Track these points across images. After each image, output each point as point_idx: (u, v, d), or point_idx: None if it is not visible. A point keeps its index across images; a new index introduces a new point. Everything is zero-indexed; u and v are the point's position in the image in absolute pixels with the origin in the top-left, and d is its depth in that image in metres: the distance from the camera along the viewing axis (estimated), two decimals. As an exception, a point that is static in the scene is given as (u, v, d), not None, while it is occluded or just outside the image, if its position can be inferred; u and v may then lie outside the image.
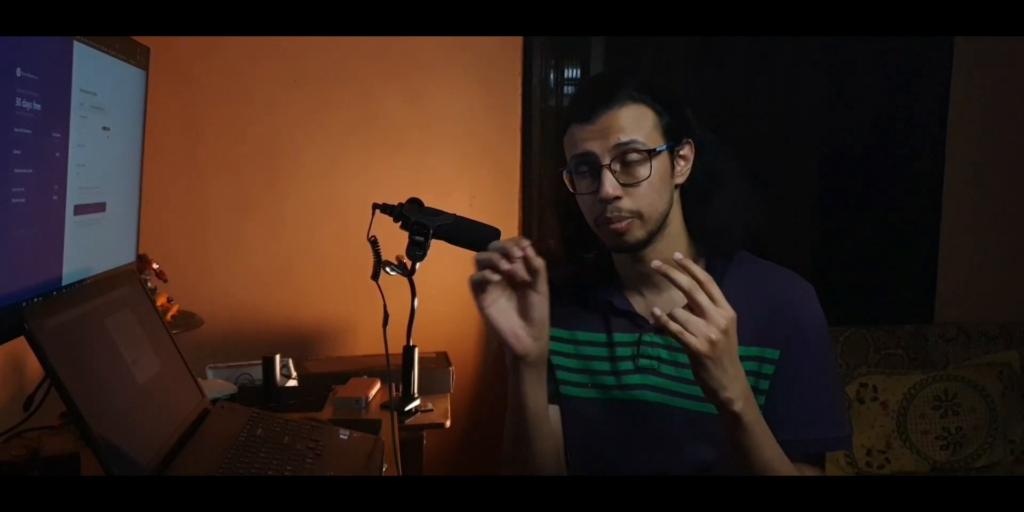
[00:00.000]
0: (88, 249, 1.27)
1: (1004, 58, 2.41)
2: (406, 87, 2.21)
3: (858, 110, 2.45)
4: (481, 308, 1.02)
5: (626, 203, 1.06)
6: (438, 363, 1.93)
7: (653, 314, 0.92)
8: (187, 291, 1.95)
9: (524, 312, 1.03)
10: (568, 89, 2.37)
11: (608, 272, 1.19)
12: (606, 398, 1.16)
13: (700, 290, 0.92)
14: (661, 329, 0.92)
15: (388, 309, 1.30)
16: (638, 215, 1.06)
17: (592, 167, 1.07)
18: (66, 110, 1.15)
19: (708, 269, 1.12)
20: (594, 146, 1.06)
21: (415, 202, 1.47)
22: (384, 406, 1.54)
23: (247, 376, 1.73)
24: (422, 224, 1.43)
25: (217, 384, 1.63)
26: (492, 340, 2.32)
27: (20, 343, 0.88)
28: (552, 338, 1.20)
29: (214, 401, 1.26)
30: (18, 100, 1.00)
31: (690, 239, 1.14)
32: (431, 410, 1.65)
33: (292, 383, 1.74)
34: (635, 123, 1.07)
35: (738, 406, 0.95)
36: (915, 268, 2.51)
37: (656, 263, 0.95)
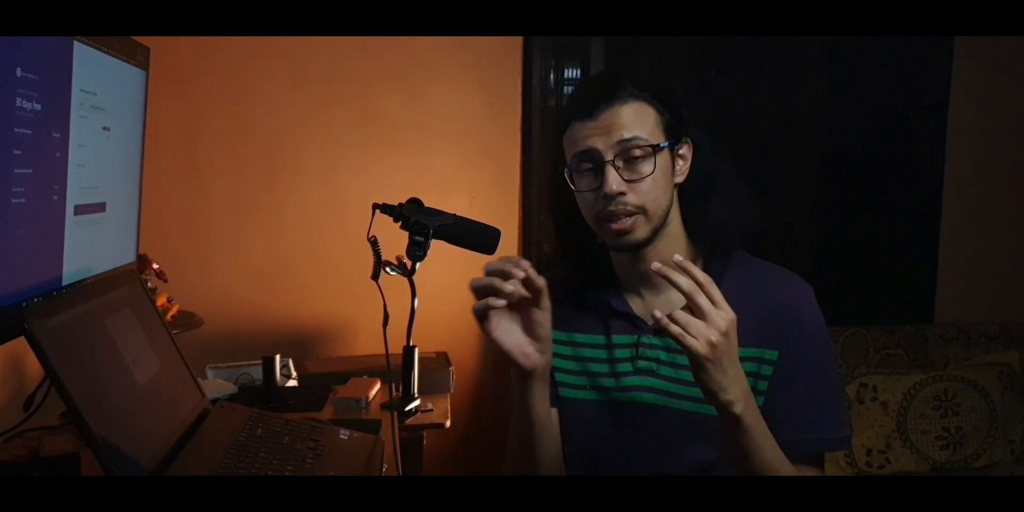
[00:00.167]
0: (88, 249, 1.27)
1: (1004, 58, 2.41)
2: (406, 87, 2.21)
3: (858, 110, 2.45)
4: (487, 333, 1.01)
5: (630, 198, 1.06)
6: (438, 363, 1.93)
7: (653, 316, 0.92)
8: (187, 291, 1.95)
9: (529, 329, 1.02)
10: (568, 89, 2.37)
11: (606, 273, 1.19)
12: (605, 400, 1.16)
13: (700, 292, 0.92)
14: (660, 331, 0.92)
15: (388, 309, 1.30)
16: (642, 211, 1.06)
17: (595, 164, 1.07)
18: (66, 110, 1.15)
19: (706, 269, 1.12)
20: (597, 143, 1.06)
21: (415, 202, 1.47)
22: (384, 406, 1.54)
23: (247, 376, 1.73)
24: (422, 224, 1.43)
25: (217, 384, 1.63)
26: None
27: (20, 343, 0.88)
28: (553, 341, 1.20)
29: (214, 401, 1.26)
30: (18, 100, 1.00)
31: (689, 239, 1.14)
32: (431, 410, 1.65)
33: (292, 383, 1.74)
34: (637, 120, 1.07)
35: (738, 408, 0.95)
36: (915, 268, 2.51)
37: (656, 265, 0.95)
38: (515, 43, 2.27)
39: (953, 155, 2.47)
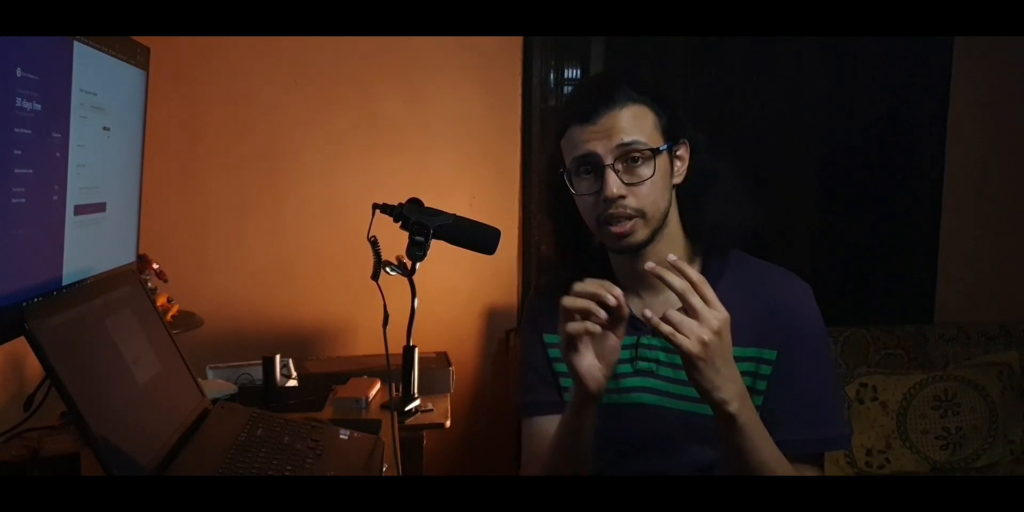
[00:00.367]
0: (88, 249, 1.27)
1: (1004, 58, 2.41)
2: (406, 87, 2.21)
3: (858, 110, 2.45)
4: (569, 352, 0.99)
5: (630, 202, 1.06)
6: (438, 363, 1.93)
7: (643, 316, 0.93)
8: (187, 291, 1.95)
9: (601, 353, 1.00)
10: (568, 89, 2.37)
11: (605, 275, 1.18)
12: (605, 401, 1.15)
13: (693, 292, 0.92)
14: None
15: (388, 309, 1.30)
16: (641, 214, 1.07)
17: (594, 167, 1.07)
18: (66, 110, 1.15)
19: (705, 269, 1.12)
20: (596, 146, 1.06)
21: (415, 202, 1.47)
22: (384, 406, 1.54)
23: (247, 376, 1.73)
24: (422, 224, 1.43)
25: (217, 384, 1.63)
26: (492, 340, 2.32)
27: (20, 343, 0.88)
28: (554, 345, 1.20)
29: (214, 401, 1.26)
30: (18, 100, 1.00)
31: (687, 239, 1.15)
32: (431, 410, 1.65)
33: (292, 383, 1.74)
34: (636, 123, 1.07)
35: (733, 407, 0.95)
36: (915, 268, 2.51)
37: (649, 265, 0.95)
38: (515, 43, 2.27)
39: (953, 155, 2.47)
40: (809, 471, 1.08)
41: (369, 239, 1.44)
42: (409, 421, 1.60)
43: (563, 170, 1.11)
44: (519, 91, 2.28)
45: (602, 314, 0.96)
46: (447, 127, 2.24)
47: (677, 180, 1.12)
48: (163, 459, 0.99)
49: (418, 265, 1.47)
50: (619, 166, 1.06)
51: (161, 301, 1.74)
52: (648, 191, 1.06)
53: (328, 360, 2.00)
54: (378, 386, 1.62)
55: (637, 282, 1.15)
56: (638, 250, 1.10)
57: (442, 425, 1.63)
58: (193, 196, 2.15)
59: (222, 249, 2.18)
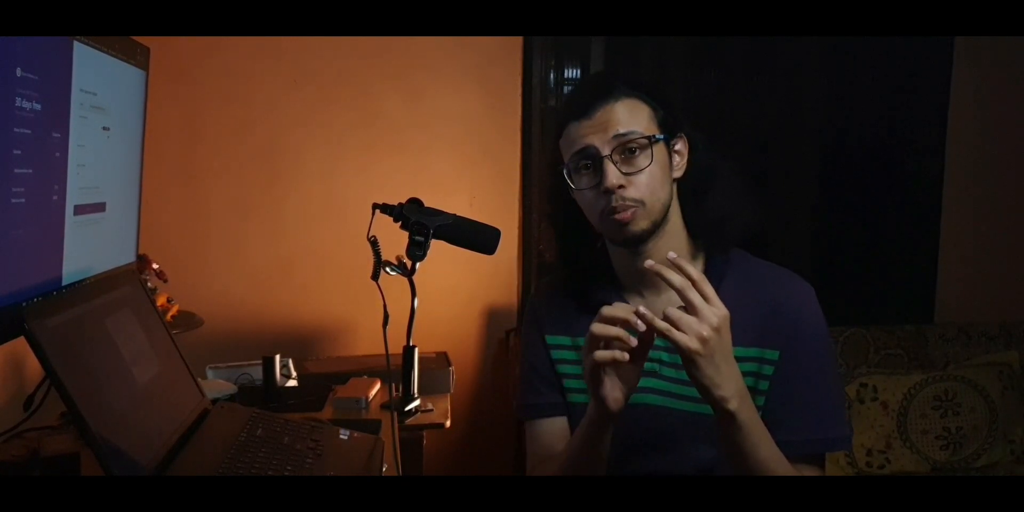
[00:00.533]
0: (88, 249, 1.27)
1: (1004, 58, 2.41)
2: (406, 87, 2.21)
3: (858, 110, 2.45)
4: (592, 378, 0.98)
5: (630, 192, 1.07)
6: (438, 363, 1.93)
7: (637, 312, 0.92)
8: (187, 291, 1.95)
9: (624, 376, 0.99)
10: (568, 89, 2.37)
11: (607, 275, 1.19)
12: None
13: (692, 288, 0.93)
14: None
15: (388, 309, 1.30)
16: (641, 204, 1.07)
17: (593, 160, 1.08)
18: (66, 110, 1.15)
19: (707, 268, 1.12)
20: (593, 140, 1.07)
21: (415, 202, 1.47)
22: (384, 406, 1.54)
23: (247, 376, 1.73)
24: (422, 224, 1.43)
25: (217, 384, 1.63)
26: (492, 340, 2.32)
27: (20, 343, 0.88)
28: (556, 346, 1.20)
29: (214, 401, 1.26)
30: (18, 100, 1.00)
31: (689, 237, 1.15)
32: (431, 410, 1.65)
33: (292, 383, 1.74)
34: (632, 115, 1.08)
35: (732, 405, 0.94)
36: (915, 268, 2.51)
37: (649, 263, 0.95)
38: (515, 43, 2.27)
39: (953, 155, 2.47)
40: (810, 471, 1.08)
41: (369, 239, 1.44)
42: (409, 421, 1.60)
43: (563, 167, 1.11)
44: (519, 91, 2.28)
45: (633, 342, 0.94)
46: (447, 127, 2.24)
47: (677, 174, 1.13)
48: (163, 459, 0.99)
49: (418, 265, 1.47)
50: (616, 157, 1.07)
51: (161, 301, 1.74)
52: (647, 180, 1.07)
53: (328, 360, 2.00)
54: (378, 386, 1.62)
55: (639, 281, 1.15)
56: (639, 242, 1.10)
57: (442, 425, 1.63)
58: (193, 196, 2.15)
59: (222, 249, 2.18)
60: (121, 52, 1.37)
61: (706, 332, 0.91)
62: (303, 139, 2.18)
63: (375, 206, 1.44)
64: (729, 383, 0.94)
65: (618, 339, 0.94)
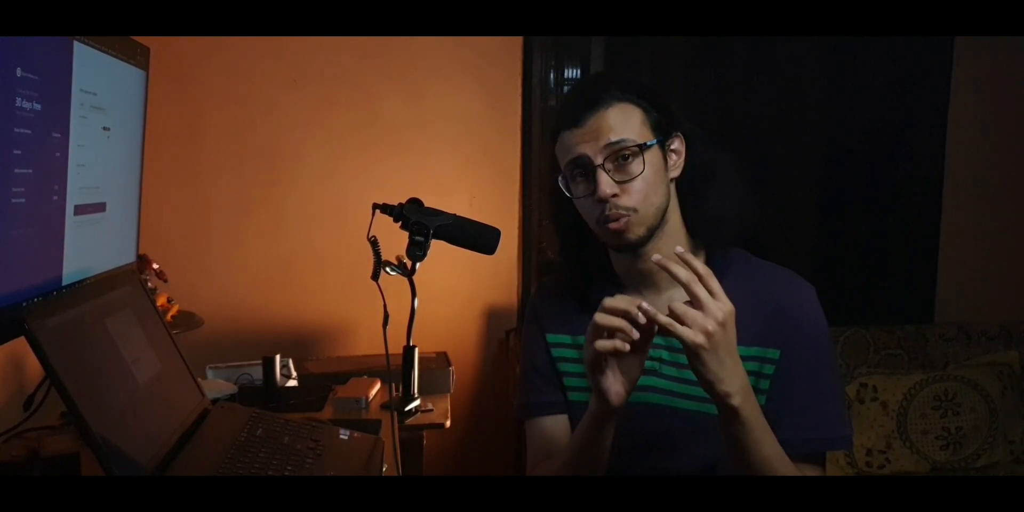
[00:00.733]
0: (88, 249, 1.27)
1: (1004, 58, 2.41)
2: (406, 87, 2.21)
3: (858, 110, 2.45)
4: (594, 369, 0.98)
5: (623, 200, 1.06)
6: (438, 363, 1.93)
7: (640, 306, 0.92)
8: (187, 291, 1.95)
9: (626, 369, 0.99)
10: (568, 89, 2.36)
11: (607, 274, 1.19)
12: None
13: (698, 283, 0.92)
14: (662, 330, 0.92)
15: (388, 309, 1.30)
16: (634, 211, 1.07)
17: (587, 169, 1.08)
18: (66, 110, 1.15)
19: (708, 267, 1.12)
20: (586, 149, 1.07)
21: (415, 202, 1.47)
22: (384, 406, 1.54)
23: (247, 376, 1.73)
24: (422, 224, 1.43)
25: (217, 384, 1.63)
26: (492, 340, 2.32)
27: (20, 343, 0.88)
28: (556, 344, 1.20)
29: (214, 401, 1.26)
30: (18, 100, 1.00)
31: (689, 235, 1.15)
32: (431, 410, 1.65)
33: (292, 383, 1.74)
34: (623, 122, 1.07)
35: (736, 400, 0.94)
36: (915, 268, 2.51)
37: (656, 257, 0.96)
38: (515, 43, 2.27)
39: (953, 155, 2.47)
40: (811, 471, 1.08)
41: (369, 239, 1.44)
42: (409, 421, 1.60)
43: (559, 175, 1.12)
44: (519, 91, 2.28)
45: (635, 334, 0.94)
46: (447, 127, 2.24)
47: (674, 174, 1.13)
48: (163, 459, 0.99)
49: (418, 265, 1.47)
50: (609, 165, 1.06)
51: (161, 301, 1.74)
52: (640, 187, 1.07)
53: (328, 360, 2.00)
54: (378, 386, 1.62)
55: (639, 281, 1.15)
56: (637, 247, 1.10)
57: (442, 425, 1.63)
58: (193, 196, 2.15)
59: (222, 249, 2.18)
60: (121, 52, 1.37)
61: (711, 327, 0.91)
62: (303, 139, 2.18)
63: (375, 206, 1.44)
64: (734, 378, 0.94)
65: (620, 330, 0.94)
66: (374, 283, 1.38)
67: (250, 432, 1.15)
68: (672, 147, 1.12)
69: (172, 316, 1.77)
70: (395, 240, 1.46)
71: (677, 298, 0.95)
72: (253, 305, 2.18)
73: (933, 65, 2.43)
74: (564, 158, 1.10)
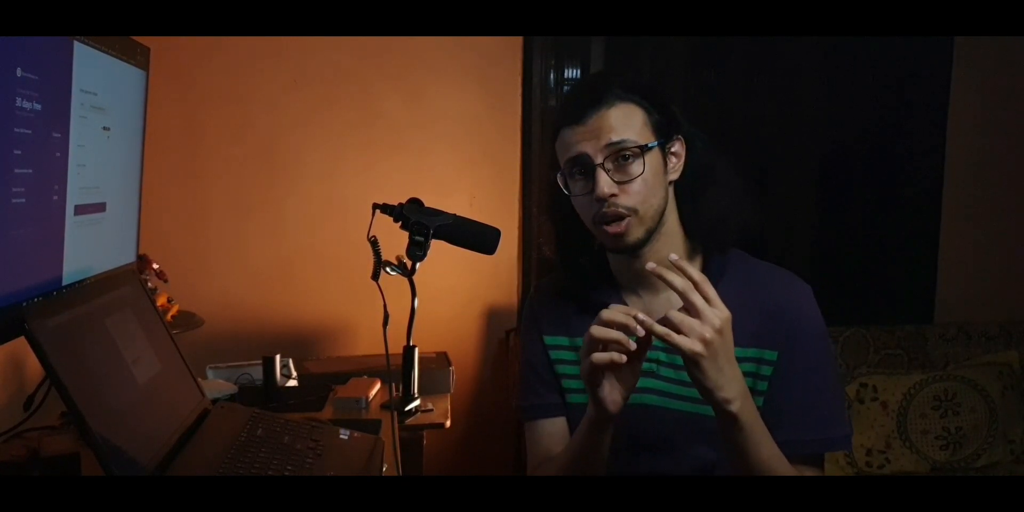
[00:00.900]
0: (88, 249, 1.27)
1: (1004, 58, 2.41)
2: (406, 87, 2.21)
3: (858, 110, 2.45)
4: (591, 380, 0.98)
5: (622, 200, 1.06)
6: (438, 363, 1.93)
7: (636, 318, 0.92)
8: (187, 291, 1.95)
9: (622, 377, 0.99)
10: (568, 89, 2.36)
11: (605, 275, 1.19)
12: None
13: (694, 291, 0.92)
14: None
15: (388, 309, 1.30)
16: (634, 212, 1.07)
17: (586, 168, 1.08)
18: (66, 110, 1.15)
19: (705, 269, 1.12)
20: (586, 147, 1.07)
21: (415, 202, 1.47)
22: (384, 406, 1.54)
23: (247, 376, 1.73)
24: (422, 224, 1.43)
25: (217, 384, 1.63)
26: (492, 340, 2.32)
27: (20, 343, 0.88)
28: (554, 347, 1.20)
29: (214, 401, 1.26)
30: (18, 100, 1.00)
31: (686, 237, 1.15)
32: (431, 410, 1.65)
33: (292, 383, 1.74)
34: (625, 122, 1.07)
35: (735, 406, 0.94)
36: (915, 268, 2.51)
37: (650, 265, 0.95)
38: (515, 43, 2.27)
39: (953, 155, 2.47)
40: (809, 472, 1.08)
41: (369, 239, 1.44)
42: (409, 421, 1.60)
43: (557, 172, 1.11)
44: (519, 91, 2.28)
45: (632, 346, 0.94)
46: (447, 127, 2.24)
47: (673, 176, 1.12)
48: (163, 459, 0.99)
49: (418, 265, 1.47)
50: (609, 165, 1.06)
51: (161, 301, 1.74)
52: (639, 188, 1.06)
53: (328, 360, 2.00)
54: (378, 386, 1.62)
55: (636, 282, 1.15)
56: (635, 250, 1.10)
57: (442, 425, 1.63)
58: (193, 196, 2.15)
59: (222, 249, 2.18)
60: (121, 52, 1.37)
61: (708, 334, 0.90)
62: (303, 139, 2.18)
63: (375, 206, 1.44)
64: (732, 385, 0.94)
65: (616, 342, 0.94)
66: (374, 283, 1.38)
67: (250, 432, 1.15)
68: (672, 149, 1.12)
69: (172, 316, 1.77)
70: (395, 240, 1.46)
71: (675, 300, 0.95)
72: (253, 305, 2.19)
73: (933, 65, 2.43)
74: (564, 155, 1.10)
